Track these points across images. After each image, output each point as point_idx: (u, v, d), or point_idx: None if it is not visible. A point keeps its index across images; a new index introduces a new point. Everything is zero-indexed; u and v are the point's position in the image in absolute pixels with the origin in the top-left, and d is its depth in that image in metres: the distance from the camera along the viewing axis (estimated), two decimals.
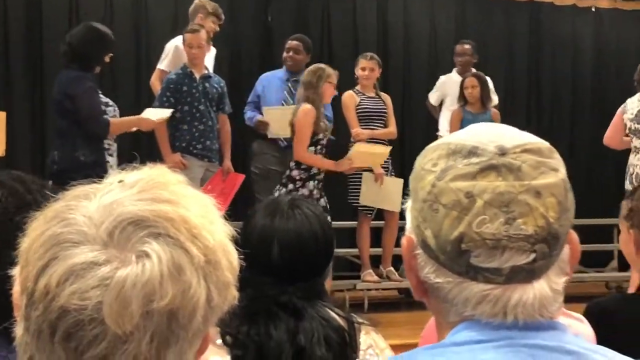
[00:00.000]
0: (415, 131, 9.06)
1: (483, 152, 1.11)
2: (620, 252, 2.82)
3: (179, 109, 6.58)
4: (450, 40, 9.07)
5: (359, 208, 7.11)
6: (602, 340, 2.06)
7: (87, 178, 1.04)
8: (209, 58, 7.15)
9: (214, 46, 7.35)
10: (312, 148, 6.25)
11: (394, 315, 6.60)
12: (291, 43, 7.34)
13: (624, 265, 7.54)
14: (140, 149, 7.09)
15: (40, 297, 0.93)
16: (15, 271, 1.01)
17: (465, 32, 9.32)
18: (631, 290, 3.57)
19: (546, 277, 1.10)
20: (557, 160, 1.14)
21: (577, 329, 2.15)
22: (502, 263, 1.08)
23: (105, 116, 5.91)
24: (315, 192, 6.23)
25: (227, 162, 6.89)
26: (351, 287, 7.28)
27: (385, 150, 6.85)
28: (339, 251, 7.39)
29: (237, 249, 1.05)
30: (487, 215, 1.08)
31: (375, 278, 7.17)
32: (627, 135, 6.74)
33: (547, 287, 1.10)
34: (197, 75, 6.68)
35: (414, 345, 1.34)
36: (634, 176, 6.57)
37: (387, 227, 7.27)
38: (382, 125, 7.20)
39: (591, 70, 9.97)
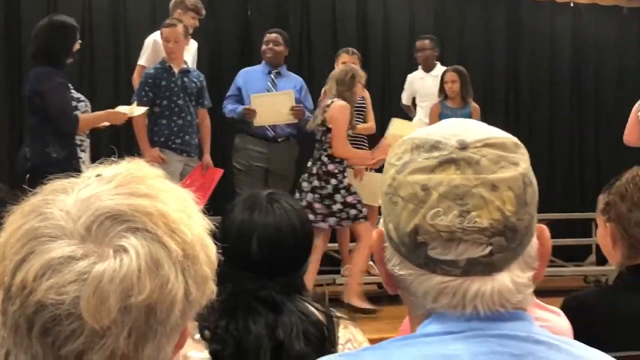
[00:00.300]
0: None
1: (444, 147, 1.11)
2: (598, 246, 2.83)
3: (157, 103, 6.56)
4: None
5: None
6: (579, 333, 2.08)
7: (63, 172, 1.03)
8: (189, 53, 7.12)
9: (195, 41, 7.32)
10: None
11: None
12: (270, 36, 7.31)
13: (602, 260, 7.58)
14: (118, 144, 7.05)
15: (17, 292, 0.93)
16: None
17: (444, 27, 9.34)
18: None
19: (508, 270, 1.10)
20: (521, 155, 1.13)
21: (555, 322, 2.17)
22: (458, 255, 1.08)
23: (75, 112, 5.81)
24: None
25: (207, 157, 6.86)
26: (331, 282, 7.28)
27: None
28: None
29: (215, 244, 1.06)
30: (441, 208, 1.08)
31: None
32: None
33: (509, 280, 1.10)
34: (175, 70, 6.65)
35: None
36: None
37: None
38: (361, 120, 7.20)
39: (570, 66, 10.01)
